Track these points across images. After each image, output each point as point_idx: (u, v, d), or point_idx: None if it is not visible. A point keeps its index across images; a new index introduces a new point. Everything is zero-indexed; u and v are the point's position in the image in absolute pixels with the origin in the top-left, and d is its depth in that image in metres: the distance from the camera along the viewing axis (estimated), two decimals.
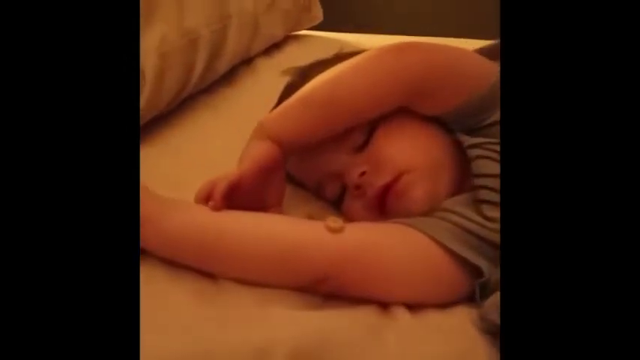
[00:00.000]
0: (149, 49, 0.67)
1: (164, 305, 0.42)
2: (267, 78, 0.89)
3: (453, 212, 0.50)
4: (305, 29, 1.11)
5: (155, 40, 0.68)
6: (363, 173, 0.53)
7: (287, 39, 1.06)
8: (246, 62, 0.93)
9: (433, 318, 0.44)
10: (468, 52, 0.56)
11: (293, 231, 0.46)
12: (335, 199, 0.57)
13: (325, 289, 0.45)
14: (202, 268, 0.46)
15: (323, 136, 0.53)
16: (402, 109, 0.55)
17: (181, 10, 0.74)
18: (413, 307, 0.45)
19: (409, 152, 0.53)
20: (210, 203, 0.47)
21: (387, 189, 0.52)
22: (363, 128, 0.55)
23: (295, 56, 0.95)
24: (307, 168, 0.58)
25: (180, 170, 0.62)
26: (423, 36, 1.04)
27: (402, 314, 0.44)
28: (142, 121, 0.68)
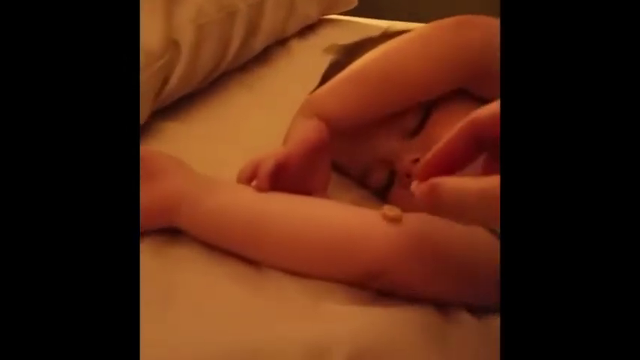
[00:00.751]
0: (185, 21, 0.63)
1: (203, 292, 0.38)
2: (302, 59, 0.86)
3: None
4: (339, 13, 1.08)
5: (191, 12, 0.64)
6: (417, 160, 0.48)
7: (321, 22, 1.03)
8: (280, 43, 0.90)
9: (497, 324, 0.40)
10: None
11: (347, 219, 0.41)
12: (381, 187, 0.53)
13: (378, 284, 0.41)
14: (244, 254, 0.42)
15: (374, 116, 0.49)
16: (459, 92, 0.50)
17: None
18: (475, 309, 0.41)
19: None
20: (254, 183, 0.43)
21: None
22: (416, 112, 0.50)
23: (329, 39, 0.91)
24: (353, 153, 0.53)
25: (214, 148, 0.59)
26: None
27: (464, 317, 0.40)
28: (175, 97, 0.65)
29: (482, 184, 0.29)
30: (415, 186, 0.33)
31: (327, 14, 1.04)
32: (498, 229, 0.33)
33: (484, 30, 0.49)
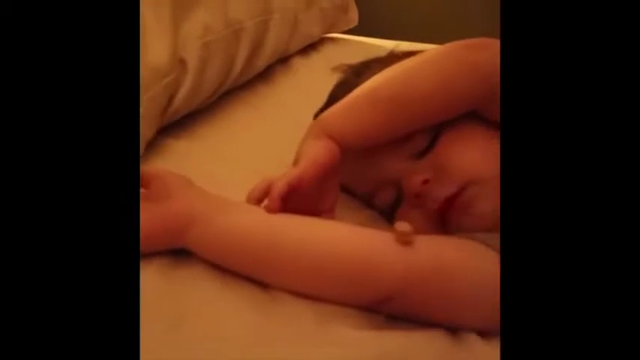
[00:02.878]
0: (192, 38, 0.63)
1: (212, 314, 0.37)
2: (304, 77, 0.87)
3: None
4: (340, 32, 1.09)
5: (198, 29, 0.64)
6: (426, 181, 0.48)
7: (323, 41, 1.04)
8: (282, 61, 0.90)
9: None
10: None
11: (359, 242, 0.41)
12: (388, 207, 0.52)
13: (389, 309, 0.40)
14: (254, 275, 0.41)
15: (387, 138, 0.49)
16: (469, 114, 0.50)
17: (225, 0, 0.71)
18: (486, 334, 0.40)
19: (477, 161, 0.49)
20: (265, 204, 0.42)
21: (450, 200, 0.48)
22: (426, 132, 0.50)
23: (331, 57, 0.92)
24: (361, 173, 0.53)
25: (217, 167, 0.58)
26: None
27: (474, 342, 0.39)
28: (180, 114, 0.64)
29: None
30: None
31: (328, 33, 1.05)
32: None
33: (494, 52, 0.49)
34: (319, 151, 0.46)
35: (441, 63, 0.49)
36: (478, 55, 0.48)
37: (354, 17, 1.09)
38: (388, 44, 1.08)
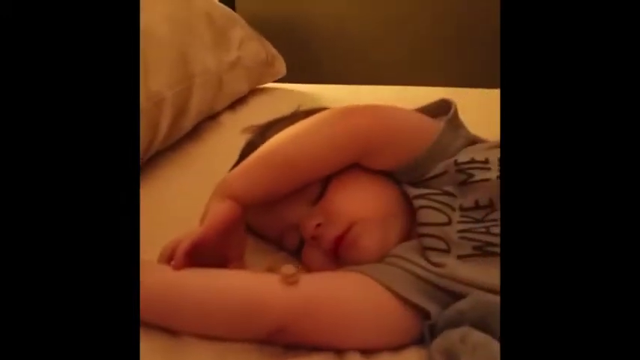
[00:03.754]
0: None
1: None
2: (232, 133, 0.91)
3: (402, 258, 0.53)
4: (269, 82, 1.16)
5: None
6: (319, 225, 0.56)
7: (252, 92, 1.09)
8: (211, 117, 0.96)
9: None
10: (410, 112, 0.62)
11: (249, 285, 0.49)
12: (295, 249, 0.60)
13: (283, 340, 0.48)
14: (166, 325, 0.48)
15: (282, 194, 0.57)
16: (353, 164, 0.59)
17: (146, 73, 0.78)
18: (367, 351, 0.48)
19: (359, 204, 0.57)
20: (172, 263, 0.50)
21: (339, 240, 0.55)
22: (318, 181, 0.59)
23: (260, 109, 0.98)
24: (267, 220, 0.61)
25: (144, 228, 0.64)
26: (394, 84, 1.11)
27: (356, 359, 0.47)
28: None
29: None
30: None
31: (256, 86, 1.12)
32: None
33: (369, 116, 0.58)
34: (221, 212, 0.54)
35: (320, 131, 0.57)
36: (353, 121, 0.57)
37: (281, 69, 1.15)
38: (317, 90, 1.17)
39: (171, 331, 0.48)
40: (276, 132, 0.61)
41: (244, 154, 0.65)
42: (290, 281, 0.49)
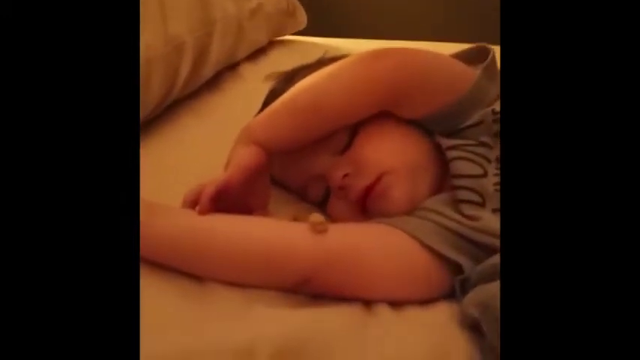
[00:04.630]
0: None
1: (149, 307, 0.43)
2: (252, 83, 0.90)
3: (433, 211, 0.51)
4: (289, 34, 1.13)
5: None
6: (346, 175, 0.54)
7: (272, 44, 1.07)
8: (230, 68, 0.94)
9: (414, 314, 0.46)
10: (443, 57, 0.58)
11: (277, 233, 0.47)
12: (319, 200, 0.58)
13: (309, 289, 0.47)
14: (191, 271, 0.47)
15: (307, 141, 0.55)
16: (383, 113, 0.56)
17: (165, 17, 0.75)
18: (395, 304, 0.47)
19: (389, 154, 0.55)
20: (197, 207, 0.48)
21: (368, 190, 0.54)
22: (345, 131, 0.56)
23: (280, 61, 0.96)
24: (291, 171, 0.59)
25: (165, 175, 0.63)
26: (410, 40, 1.07)
27: (384, 311, 0.46)
28: None
29: None
30: None
31: (276, 37, 1.09)
32: None
33: (399, 60, 0.55)
34: (246, 156, 0.52)
35: (345, 75, 0.54)
36: (379, 65, 0.54)
37: (302, 20, 1.12)
38: (337, 43, 1.14)
39: (195, 277, 0.47)
40: (301, 79, 0.58)
41: (268, 101, 0.62)
42: (319, 229, 0.47)
